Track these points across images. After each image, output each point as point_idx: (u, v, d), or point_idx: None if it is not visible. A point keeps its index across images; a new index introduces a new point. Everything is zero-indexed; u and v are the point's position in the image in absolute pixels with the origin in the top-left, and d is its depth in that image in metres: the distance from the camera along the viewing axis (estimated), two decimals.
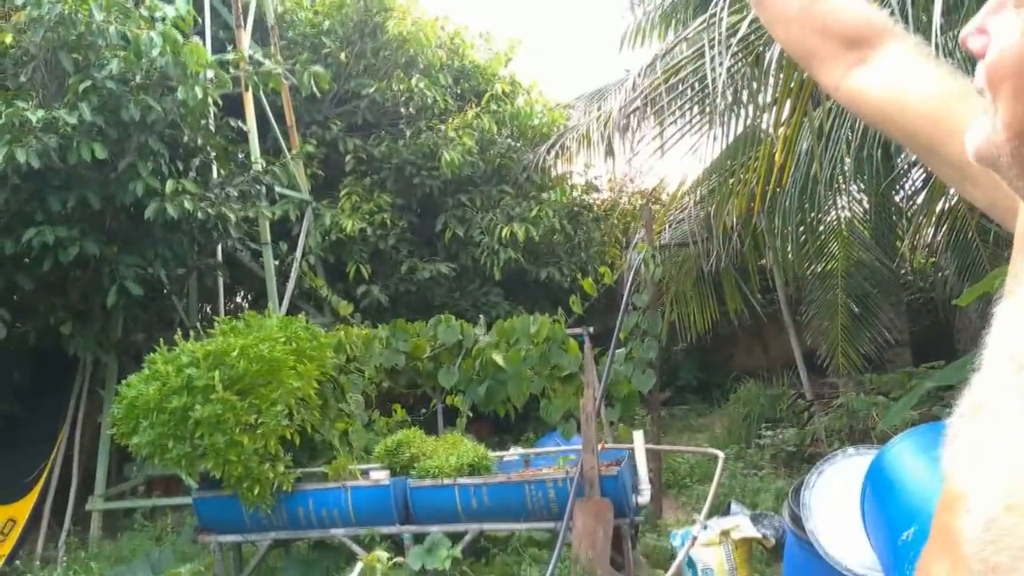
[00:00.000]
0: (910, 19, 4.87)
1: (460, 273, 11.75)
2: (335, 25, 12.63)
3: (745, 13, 6.16)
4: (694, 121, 8.30)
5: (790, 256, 9.62)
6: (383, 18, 12.62)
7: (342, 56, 12.35)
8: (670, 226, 10.35)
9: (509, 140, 12.67)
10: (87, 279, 8.24)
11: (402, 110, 12.47)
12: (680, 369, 13.98)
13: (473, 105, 12.65)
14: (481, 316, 8.86)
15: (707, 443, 9.72)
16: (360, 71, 12.64)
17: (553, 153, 12.11)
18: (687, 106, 8.16)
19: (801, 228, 9.20)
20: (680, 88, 7.81)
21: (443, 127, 12.05)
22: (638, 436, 5.97)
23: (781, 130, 6.77)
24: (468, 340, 7.77)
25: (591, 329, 7.23)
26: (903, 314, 11.61)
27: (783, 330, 10.40)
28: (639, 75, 10.41)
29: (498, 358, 7.41)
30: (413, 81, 12.12)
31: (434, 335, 7.91)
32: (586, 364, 6.49)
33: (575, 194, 13.30)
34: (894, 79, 1.04)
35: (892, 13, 4.91)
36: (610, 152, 11.93)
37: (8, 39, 8.33)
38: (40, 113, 7.35)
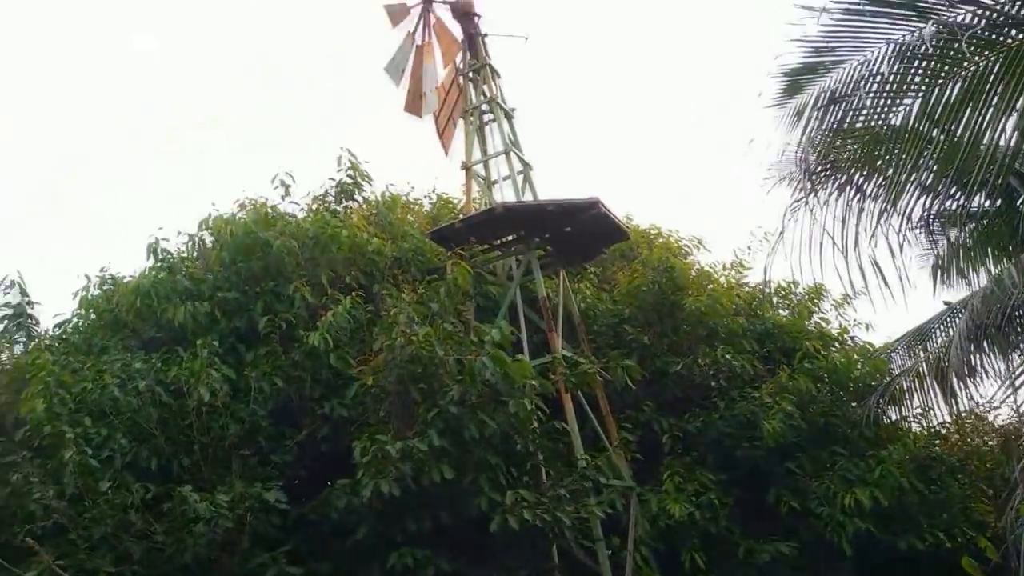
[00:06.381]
0: None
1: (802, 550, 10.70)
2: (634, 311, 13.26)
3: None
4: None
5: None
6: (678, 296, 13.04)
7: (644, 339, 12.78)
8: None
9: (830, 396, 11.98)
10: None
11: (711, 382, 12.38)
12: None
13: (783, 366, 12.27)
14: None
15: None
16: (663, 350, 12.89)
17: (884, 403, 11.22)
18: None
19: None
20: None
21: (757, 394, 11.72)
22: None
23: None
24: None
25: None
26: None
27: None
28: (969, 312, 9.62)
29: None
30: (718, 352, 12.14)
31: None
32: None
33: (919, 445, 11.94)
34: None
35: None
36: (952, 394, 10.81)
37: (369, 380, 9.75)
38: (398, 445, 8.32)
